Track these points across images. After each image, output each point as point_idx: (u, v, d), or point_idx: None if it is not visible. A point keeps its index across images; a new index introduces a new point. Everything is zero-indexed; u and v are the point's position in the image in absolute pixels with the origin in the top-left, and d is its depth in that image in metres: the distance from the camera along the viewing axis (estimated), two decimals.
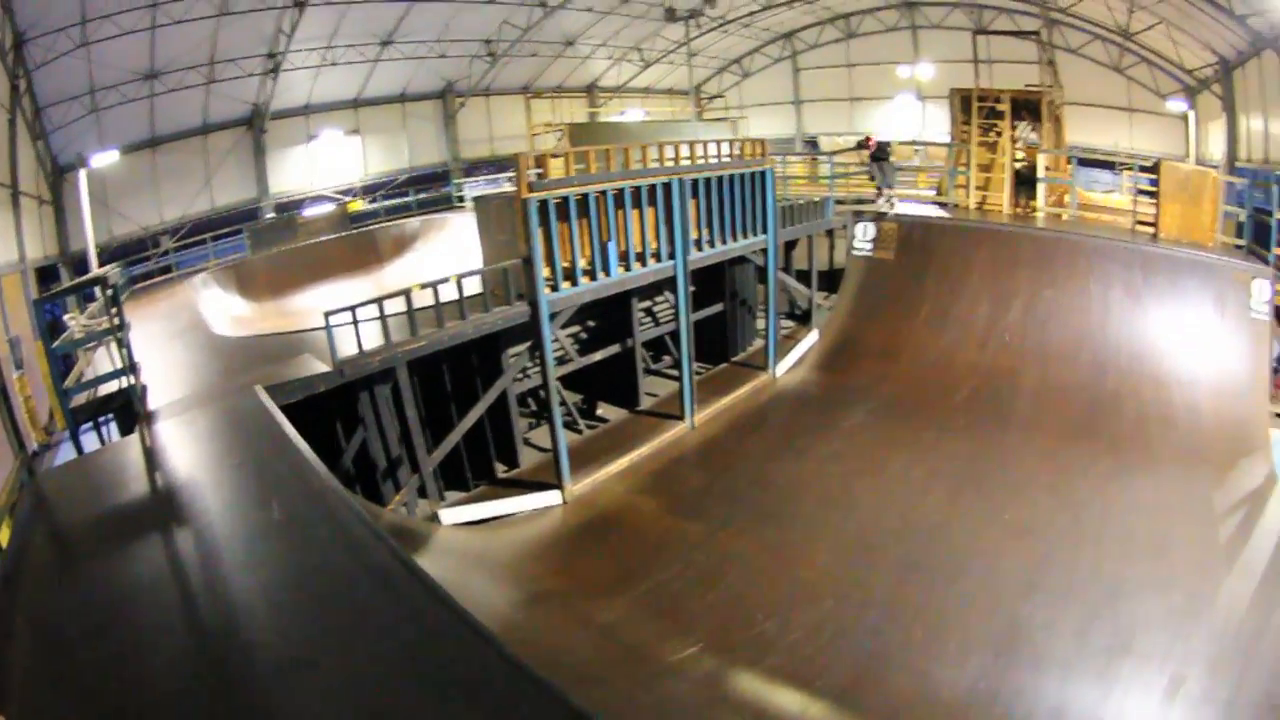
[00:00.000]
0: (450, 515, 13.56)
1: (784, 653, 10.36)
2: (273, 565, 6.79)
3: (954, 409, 17.27)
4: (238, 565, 6.80)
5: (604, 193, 14.83)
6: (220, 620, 6.00)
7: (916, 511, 13.73)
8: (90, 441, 11.73)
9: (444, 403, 14.95)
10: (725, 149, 17.69)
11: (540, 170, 14.16)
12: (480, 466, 15.16)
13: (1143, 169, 22.80)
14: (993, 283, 19.53)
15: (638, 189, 15.35)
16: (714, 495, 14.37)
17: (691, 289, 17.57)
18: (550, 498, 14.29)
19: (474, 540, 12.90)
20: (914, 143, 36.88)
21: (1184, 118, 39.92)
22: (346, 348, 12.82)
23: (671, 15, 39.18)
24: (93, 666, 5.66)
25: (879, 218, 21.51)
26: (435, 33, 35.26)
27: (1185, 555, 12.89)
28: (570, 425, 16.35)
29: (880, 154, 21.82)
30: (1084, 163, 32.50)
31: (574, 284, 14.65)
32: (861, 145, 22.52)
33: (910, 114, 46.46)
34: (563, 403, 15.93)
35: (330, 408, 13.20)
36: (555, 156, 14.65)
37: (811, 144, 48.54)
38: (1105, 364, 17.85)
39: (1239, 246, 20.65)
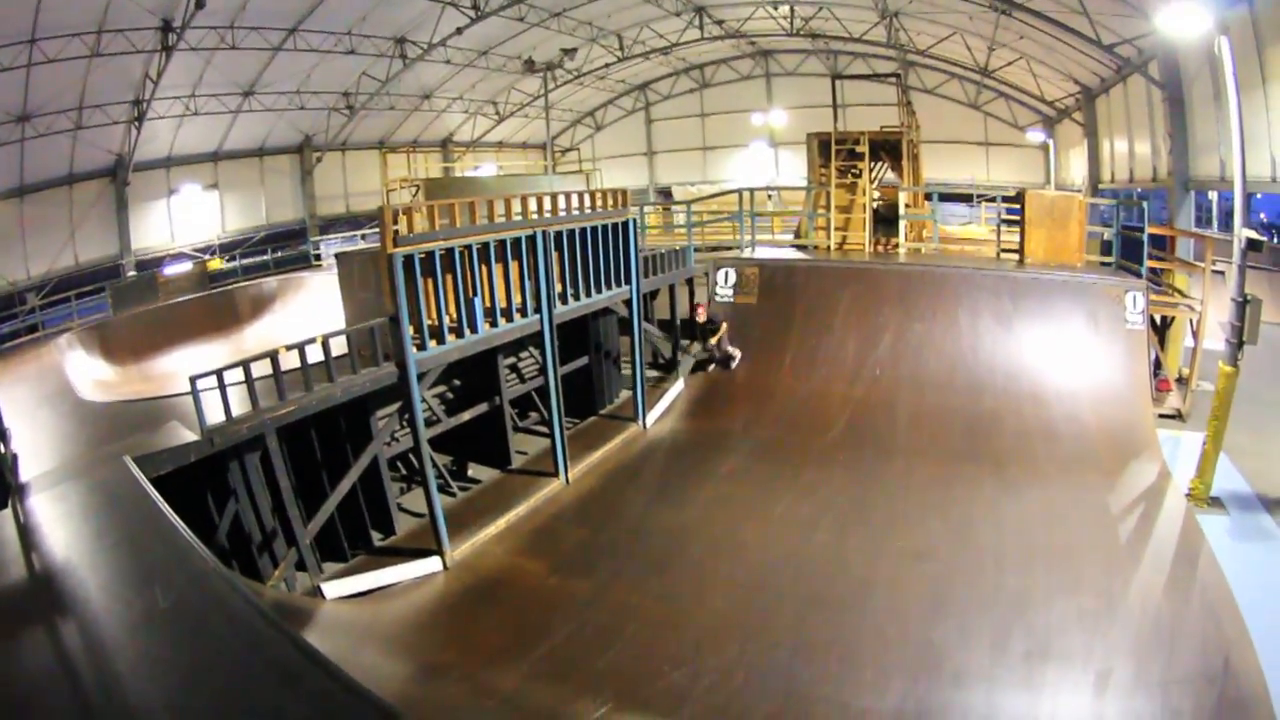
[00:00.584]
0: (332, 589, 13.08)
1: (698, 701, 10.16)
2: (166, 662, 6.16)
3: (832, 445, 17.42)
4: (126, 662, 6.15)
5: (469, 247, 14.61)
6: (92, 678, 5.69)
7: (808, 548, 13.70)
8: None
9: (315, 470, 14.46)
10: (585, 200, 17.63)
11: (402, 226, 13.80)
12: (357, 535, 14.69)
13: (1005, 199, 23.54)
14: (859, 320, 19.95)
15: (502, 242, 15.20)
16: (598, 550, 14.15)
17: (555, 343, 17.41)
18: (431, 564, 13.91)
19: (360, 613, 12.47)
20: (768, 188, 37.44)
21: (1043, 147, 41.53)
22: (214, 414, 12.25)
23: (531, 67, 40.23)
24: None
25: (739, 264, 21.81)
26: (296, 83, 35.67)
27: (1089, 558, 13.23)
28: (443, 488, 15.93)
29: (712, 326, 20.67)
30: (947, 198, 33.42)
31: (441, 342, 14.37)
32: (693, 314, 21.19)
33: (764, 160, 47.43)
34: (435, 465, 15.53)
35: (200, 478, 12.58)
36: (417, 210, 14.26)
37: (665, 194, 49.26)
38: (981, 387, 18.36)
39: (1107, 264, 21.58)
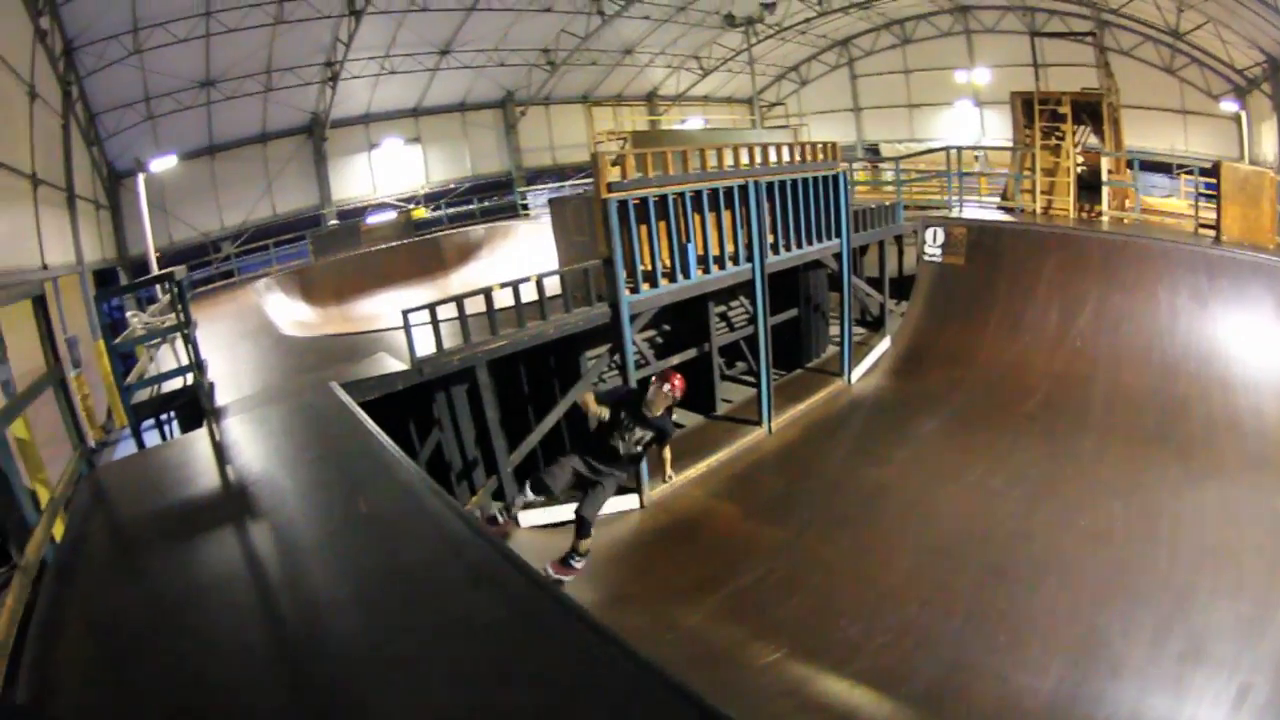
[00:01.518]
0: (528, 517, 13.70)
1: (869, 658, 10.60)
2: (361, 561, 6.18)
3: (1028, 415, 17.36)
4: (320, 561, 6.21)
5: (681, 194, 15.00)
6: (301, 618, 5.40)
7: (996, 517, 13.88)
8: (152, 439, 11.60)
9: (521, 405, 15.23)
10: (796, 153, 17.75)
11: (614, 174, 14.32)
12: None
13: (1202, 171, 22.93)
14: (1062, 287, 19.58)
15: (715, 191, 15.53)
16: (793, 500, 14.51)
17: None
18: (629, 501, 14.52)
19: (553, 541, 12.82)
20: (975, 147, 36.91)
21: (1236, 118, 39.92)
22: (423, 349, 12.92)
23: (731, 21, 39.65)
24: (154, 663, 5.15)
25: (946, 222, 21.55)
26: (493, 41, 35.90)
27: (1254, 563, 12.99)
28: None
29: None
30: (1147, 167, 32.71)
31: (654, 286, 14.86)
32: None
33: (969, 119, 46.48)
34: None
35: (403, 409, 13.39)
36: (629, 158, 14.69)
37: (872, 150, 48.61)
38: (1175, 369, 17.92)
39: None
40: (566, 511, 13.22)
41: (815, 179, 17.90)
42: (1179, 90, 42.02)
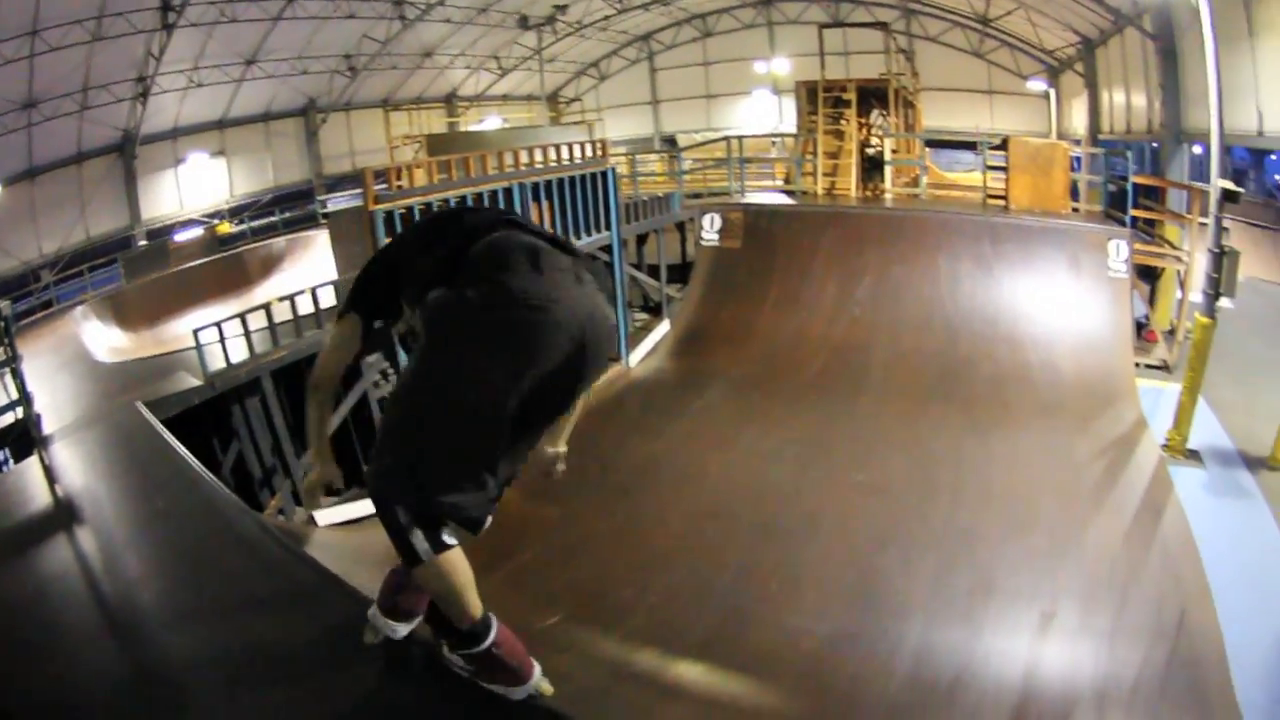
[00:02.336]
0: (325, 516, 13.83)
1: (644, 615, 10.88)
2: (162, 547, 7.16)
3: (805, 384, 17.95)
4: (127, 546, 7.21)
5: (447, 200, 15.29)
6: (119, 592, 6.32)
7: (766, 479, 14.36)
8: None
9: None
10: (565, 152, 18.37)
11: (391, 183, 14.91)
12: (351, 471, 15.37)
13: (992, 146, 23.94)
14: (840, 262, 20.31)
15: (479, 195, 15.88)
16: (570, 480, 14.53)
17: None
18: None
19: (351, 538, 13.12)
20: (772, 135, 37.80)
21: (1045, 96, 41.66)
22: (217, 364, 13.58)
23: (525, 23, 40.07)
24: None
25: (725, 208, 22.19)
26: (297, 49, 35.86)
27: (1047, 501, 13.65)
28: None
29: None
30: (948, 145, 33.84)
31: None
32: None
33: (767, 107, 47.66)
34: None
35: (206, 423, 13.87)
36: (406, 168, 15.13)
37: (669, 142, 49.33)
38: (957, 331, 18.73)
39: (1093, 212, 22.36)
40: (363, 507, 13.45)
41: (584, 176, 18.45)
42: (987, 72, 43.69)
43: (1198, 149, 27.34)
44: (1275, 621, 12.22)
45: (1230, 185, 16.74)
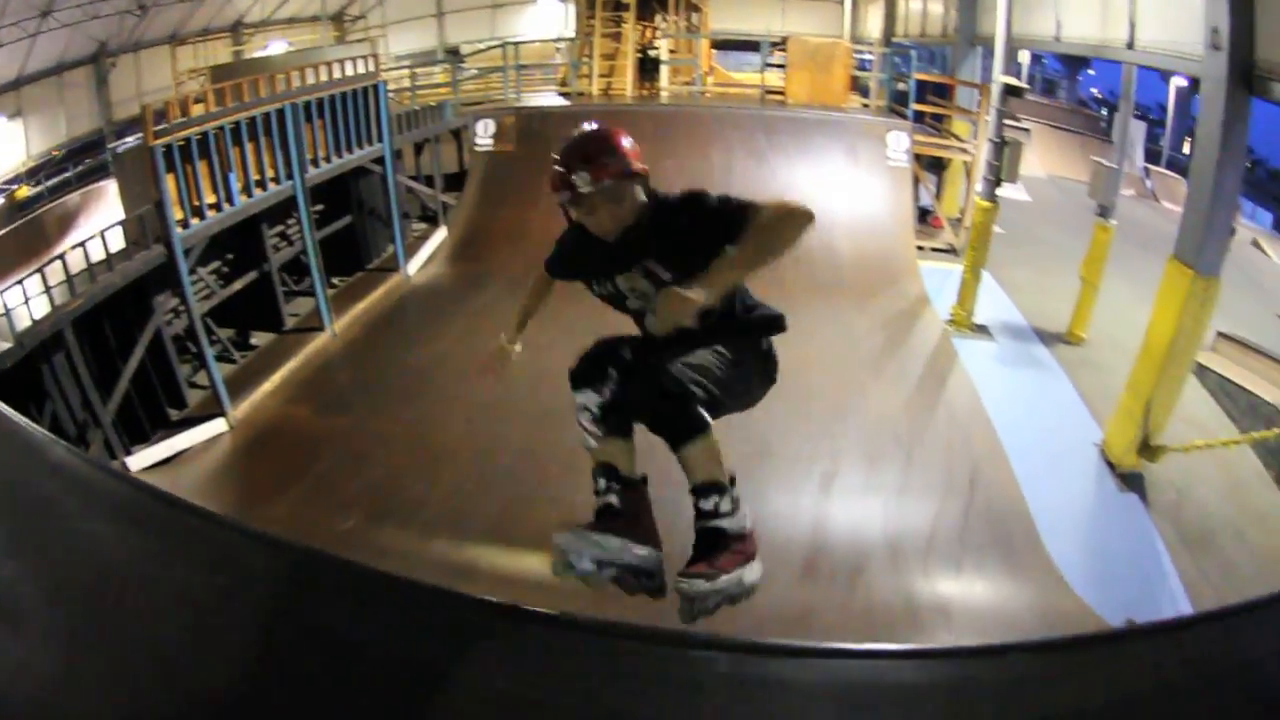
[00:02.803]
0: (134, 461, 14.00)
1: (435, 506, 11.45)
2: None
3: None
4: None
5: (222, 129, 15.37)
6: None
7: (544, 366, 14.37)
8: None
9: (114, 360, 15.14)
10: (336, 70, 18.44)
11: (169, 118, 14.55)
12: (157, 416, 15.46)
13: (773, 44, 24.63)
14: None
15: (253, 120, 15.96)
16: (358, 390, 15.40)
17: (320, 207, 18.51)
18: (217, 425, 14.72)
19: (160, 479, 13.12)
20: (551, 39, 37.94)
21: (840, 1, 42.62)
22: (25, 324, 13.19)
23: None
24: None
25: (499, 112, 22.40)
26: None
27: (826, 372, 14.37)
28: (228, 358, 16.69)
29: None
30: (734, 46, 34.49)
31: (202, 219, 15.10)
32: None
33: (554, 15, 47.59)
34: (217, 339, 16.34)
35: (20, 392, 13.43)
36: (180, 102, 14.98)
37: (453, 53, 48.93)
38: None
39: (878, 107, 23.66)
40: (167, 448, 14.11)
41: (354, 92, 18.52)
42: None
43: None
44: (1080, 481, 13.57)
45: (1013, 81, 17.52)
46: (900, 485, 12.03)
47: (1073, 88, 69.17)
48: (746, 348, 4.58)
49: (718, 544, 4.30)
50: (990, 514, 11.82)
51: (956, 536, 11.32)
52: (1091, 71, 68.28)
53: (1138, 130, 51.24)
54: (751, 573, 4.27)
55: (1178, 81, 44.66)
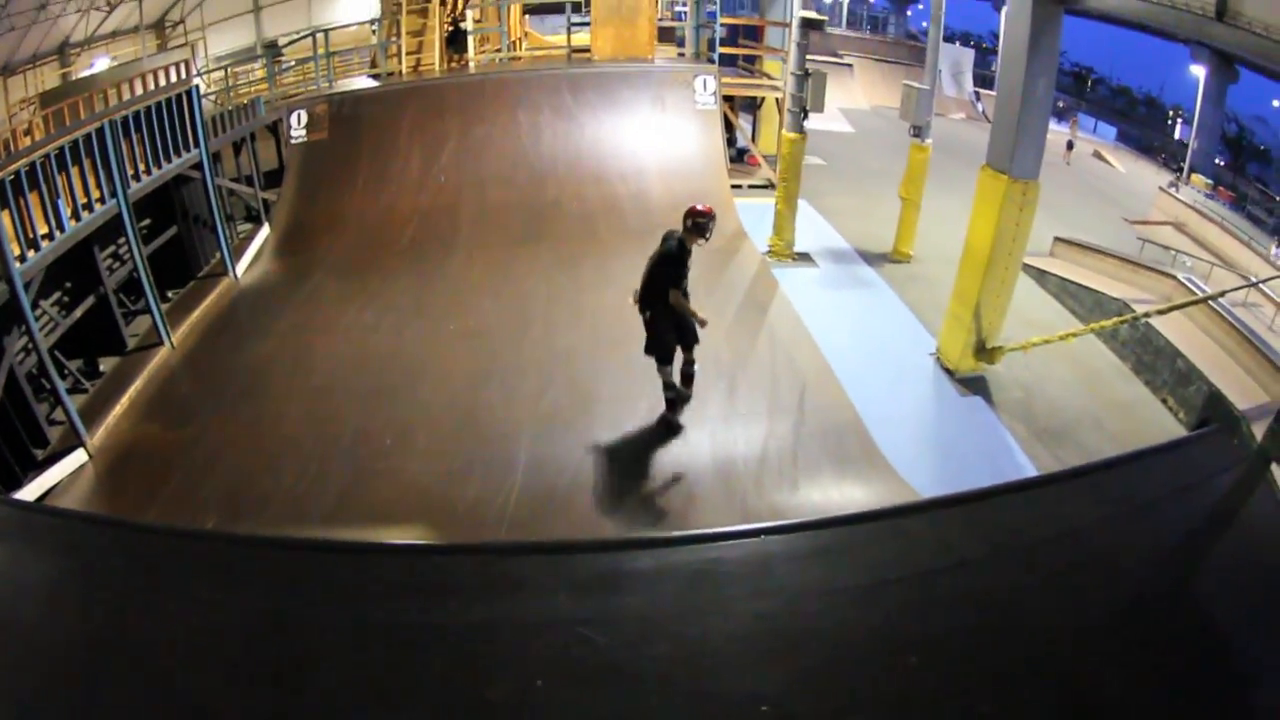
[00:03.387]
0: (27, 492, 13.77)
1: (281, 498, 11.72)
2: None
3: (399, 254, 18.85)
4: None
5: (48, 156, 15.13)
6: None
7: (369, 347, 15.33)
8: None
9: None
10: (148, 81, 18.58)
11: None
12: (23, 458, 15.39)
13: (575, 3, 25.14)
14: (423, 133, 21.15)
15: (75, 143, 15.74)
16: (201, 398, 15.43)
17: (147, 221, 18.60)
18: (79, 457, 14.57)
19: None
20: (363, 23, 37.84)
21: None
22: None
23: None
24: None
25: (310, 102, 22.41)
26: None
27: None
28: (78, 388, 16.64)
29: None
30: (545, 10, 34.97)
31: (37, 250, 14.93)
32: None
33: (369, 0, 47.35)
34: (68, 371, 16.32)
35: None
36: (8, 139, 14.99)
37: (271, 46, 48.31)
38: (543, 178, 20.14)
39: (684, 54, 25.20)
40: (36, 488, 13.66)
41: (168, 101, 18.31)
42: None
43: None
44: (918, 390, 14.50)
45: (811, 14, 18.07)
46: (725, 413, 12.51)
47: (901, 22, 70.76)
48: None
49: (689, 378, 12.12)
50: (822, 430, 12.30)
51: (789, 454, 11.78)
52: (920, 6, 69.73)
53: (966, 57, 53.04)
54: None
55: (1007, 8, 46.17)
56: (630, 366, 13.05)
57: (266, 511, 11.49)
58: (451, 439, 12.33)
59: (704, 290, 15.71)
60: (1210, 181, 41.51)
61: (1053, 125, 45.85)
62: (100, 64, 42.81)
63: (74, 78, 40.32)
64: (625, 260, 16.10)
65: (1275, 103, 62.65)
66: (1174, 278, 17.65)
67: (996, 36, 56.39)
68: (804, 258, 19.45)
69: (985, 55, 55.50)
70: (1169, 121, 66.60)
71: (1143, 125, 65.98)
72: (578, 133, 20.75)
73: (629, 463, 11.63)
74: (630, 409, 12.50)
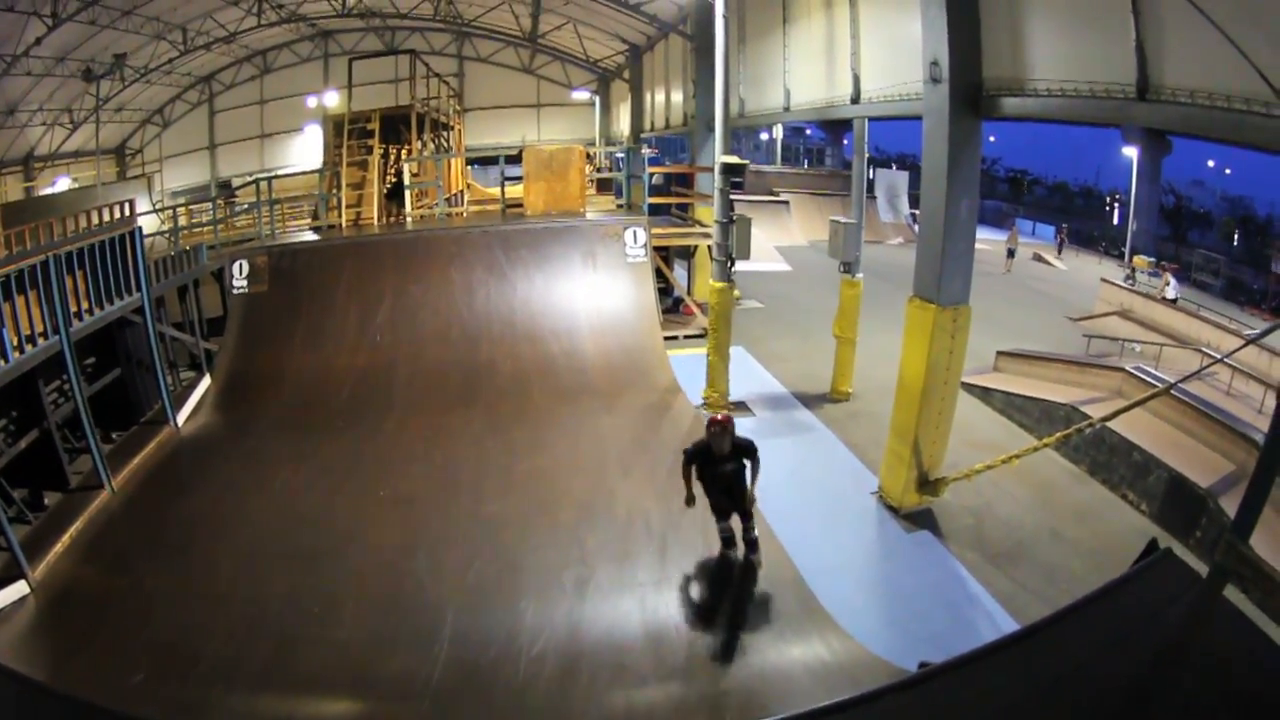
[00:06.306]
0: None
1: (209, 658, 11.64)
2: None
3: (335, 413, 18.97)
4: None
5: None
6: None
7: (299, 511, 15.42)
8: None
9: None
10: (92, 218, 18.86)
11: None
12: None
13: (508, 158, 25.58)
14: (360, 291, 21.46)
15: (21, 273, 15.87)
16: (136, 546, 15.28)
17: (91, 360, 18.83)
18: (21, 588, 14.45)
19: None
20: (306, 172, 38.11)
21: (591, 103, 44.05)
22: None
23: (89, 76, 38.78)
24: None
25: (252, 254, 22.48)
26: None
27: (574, 478, 15.42)
28: (22, 519, 16.62)
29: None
30: (483, 161, 35.61)
31: None
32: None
33: (319, 143, 47.93)
34: (11, 500, 16.31)
35: None
36: None
37: (225, 186, 48.71)
38: (477, 338, 20.43)
39: (620, 206, 25.92)
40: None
41: (112, 240, 18.50)
42: (536, 87, 45.82)
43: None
44: (861, 531, 14.55)
45: (731, 159, 18.45)
46: (656, 579, 12.50)
47: (838, 153, 71.65)
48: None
49: (753, 545, 12.77)
50: (759, 589, 12.30)
51: (724, 618, 11.80)
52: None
53: (901, 180, 53.79)
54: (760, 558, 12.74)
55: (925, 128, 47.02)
56: (557, 534, 13.38)
57: (195, 669, 11.47)
58: (379, 608, 12.43)
59: (637, 449, 16.04)
60: (1152, 259, 41.98)
61: (992, 235, 46.72)
62: (61, 183, 43.53)
63: (36, 194, 40.92)
64: (559, 422, 16.99)
65: (1210, 163, 64.04)
66: (1122, 370, 18.01)
67: None
68: (740, 406, 19.64)
69: (919, 176, 56.54)
70: (1106, 208, 67.68)
71: (1082, 217, 66.77)
72: (510, 291, 21.12)
73: (556, 633, 11.54)
74: (555, 579, 12.53)
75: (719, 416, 12.35)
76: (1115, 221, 62.34)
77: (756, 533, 12.68)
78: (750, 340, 23.14)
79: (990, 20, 12.92)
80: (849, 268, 19.48)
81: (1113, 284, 34.76)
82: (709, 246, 22.56)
